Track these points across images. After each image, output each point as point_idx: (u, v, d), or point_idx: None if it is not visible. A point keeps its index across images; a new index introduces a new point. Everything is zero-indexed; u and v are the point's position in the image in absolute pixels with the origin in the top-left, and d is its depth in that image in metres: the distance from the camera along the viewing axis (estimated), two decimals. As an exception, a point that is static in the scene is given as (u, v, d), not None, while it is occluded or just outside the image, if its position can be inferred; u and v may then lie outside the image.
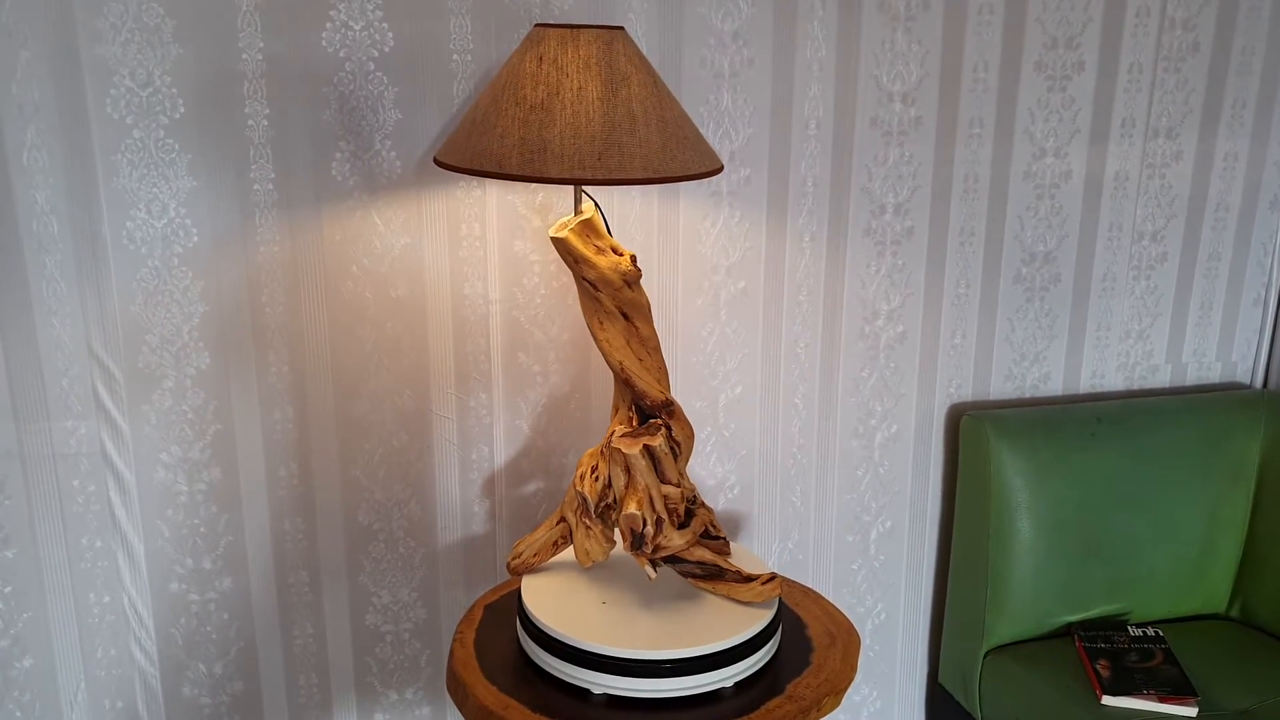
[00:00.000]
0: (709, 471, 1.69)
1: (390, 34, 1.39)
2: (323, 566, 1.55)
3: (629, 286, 1.20)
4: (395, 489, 1.55)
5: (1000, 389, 1.80)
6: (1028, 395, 1.82)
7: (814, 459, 1.74)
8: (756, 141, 1.56)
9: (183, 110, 1.33)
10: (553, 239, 1.20)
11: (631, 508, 1.19)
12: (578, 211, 1.22)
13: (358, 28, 1.37)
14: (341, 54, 1.38)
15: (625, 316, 1.22)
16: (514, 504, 1.61)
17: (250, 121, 1.36)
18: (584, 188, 1.22)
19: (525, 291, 1.53)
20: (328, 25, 1.36)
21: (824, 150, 1.60)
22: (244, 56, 1.34)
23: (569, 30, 1.17)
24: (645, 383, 1.24)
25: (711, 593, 1.28)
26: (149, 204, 1.35)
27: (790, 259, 1.63)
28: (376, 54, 1.39)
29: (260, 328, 1.44)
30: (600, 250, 1.20)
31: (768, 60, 1.54)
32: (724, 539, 1.34)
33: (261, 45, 1.34)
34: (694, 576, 1.28)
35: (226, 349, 1.43)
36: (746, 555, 1.37)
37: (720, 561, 1.26)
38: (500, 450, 1.58)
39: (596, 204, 1.23)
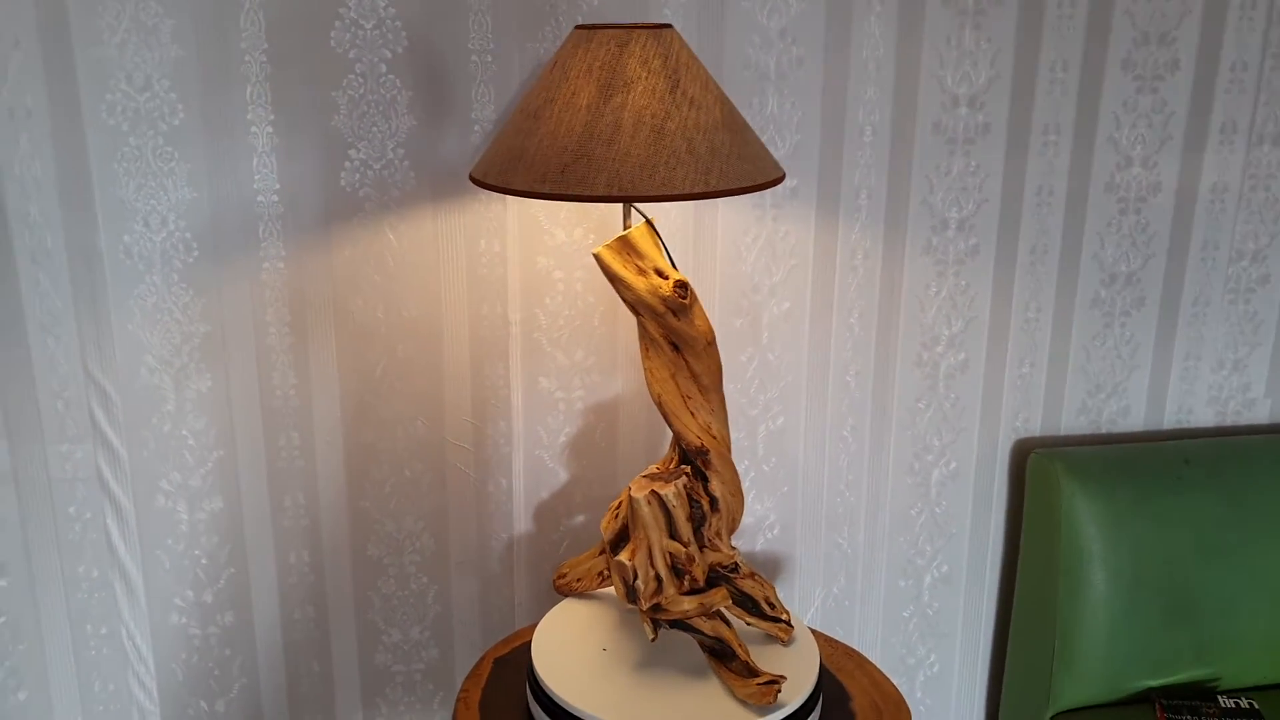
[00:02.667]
0: (747, 509, 1.55)
1: (404, 33, 1.28)
2: (330, 602, 1.46)
3: (674, 315, 1.07)
4: (407, 521, 1.45)
5: (1073, 424, 1.63)
6: (1104, 431, 1.64)
7: (863, 497, 1.59)
8: (805, 149, 1.42)
9: (182, 116, 1.24)
10: (594, 255, 1.09)
11: (623, 556, 1.07)
12: (626, 226, 1.11)
13: (369, 26, 1.27)
14: (351, 55, 1.27)
15: (675, 348, 1.09)
16: (534, 540, 1.50)
17: (254, 128, 1.27)
18: (635, 204, 1.11)
19: (548, 312, 1.42)
20: (336, 24, 1.26)
21: (880, 159, 1.45)
22: (246, 58, 1.24)
23: (585, 31, 1.06)
24: (681, 423, 1.11)
25: (714, 672, 1.15)
26: (147, 217, 1.27)
27: (841, 278, 1.49)
28: (389, 55, 1.28)
29: (264, 349, 1.34)
30: (641, 271, 1.08)
31: (818, 60, 1.40)
32: (784, 619, 1.20)
33: (265, 46, 1.24)
34: (705, 648, 1.15)
35: (229, 371, 1.34)
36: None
37: (733, 644, 1.13)
38: (520, 482, 1.47)
39: (648, 220, 1.11)
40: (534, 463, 1.47)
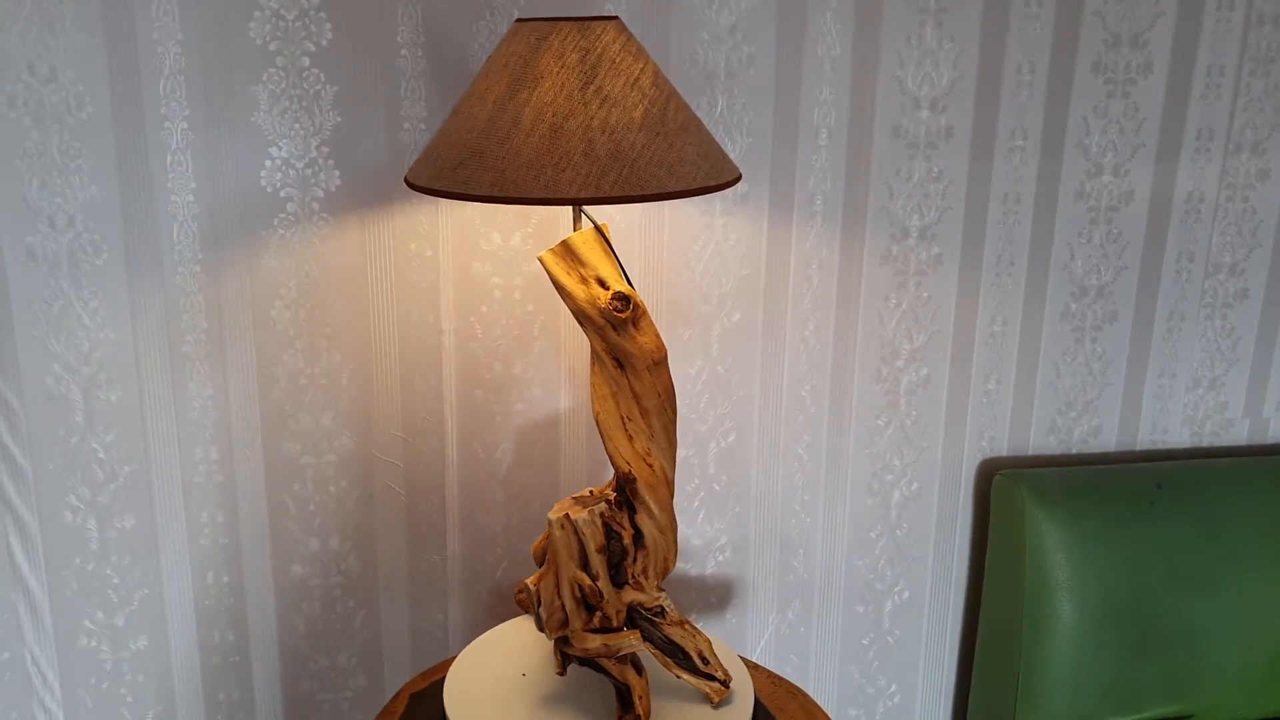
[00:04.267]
0: (696, 530, 1.48)
1: (328, 25, 1.21)
2: (251, 625, 1.38)
3: (613, 329, 1.00)
4: (332, 541, 1.37)
5: (1041, 443, 1.56)
6: (1074, 451, 1.57)
7: (820, 518, 1.52)
8: (757, 152, 1.35)
9: (90, 110, 1.17)
10: (539, 259, 1.03)
11: (531, 580, 1.00)
12: (576, 230, 1.04)
13: (290, 17, 1.20)
14: (272, 47, 1.20)
15: (619, 365, 1.02)
16: (468, 562, 1.42)
17: (167, 124, 1.20)
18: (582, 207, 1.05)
19: (484, 321, 1.34)
20: (256, 14, 1.19)
21: (836, 164, 1.38)
22: (159, 49, 1.17)
23: (518, 24, 1.01)
24: (614, 445, 1.03)
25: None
26: (52, 217, 1.19)
27: (795, 289, 1.42)
28: (313, 48, 1.21)
29: (179, 357, 1.27)
30: (584, 280, 1.00)
31: (771, 58, 1.33)
32: (718, 678, 1.10)
33: (179, 36, 1.17)
34: (616, 691, 1.07)
35: (141, 380, 1.26)
36: (720, 647, 1.16)
37: (635, 694, 1.04)
38: (454, 501, 1.39)
39: (596, 225, 1.04)
40: (469, 481, 1.39)
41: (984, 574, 1.54)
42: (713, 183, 0.98)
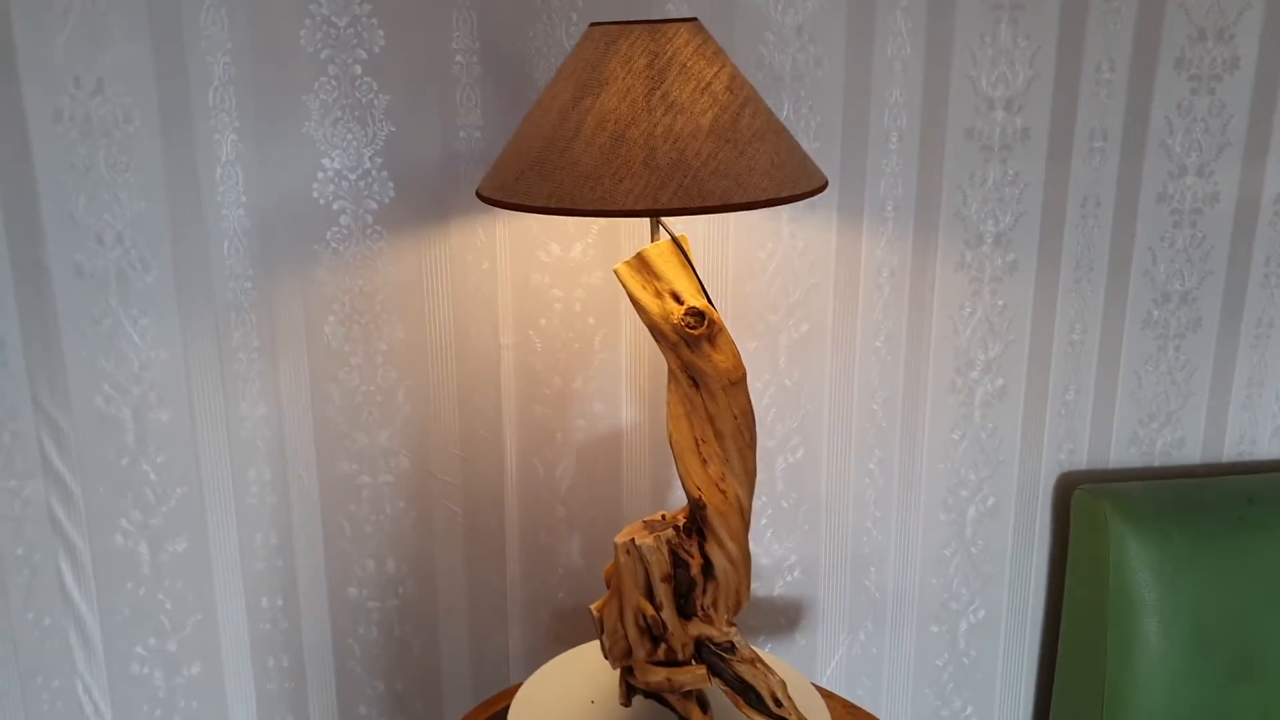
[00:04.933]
0: (764, 550, 1.42)
1: (380, 32, 1.17)
2: (306, 650, 1.34)
3: (687, 346, 0.95)
4: (388, 563, 1.33)
5: (1123, 455, 1.49)
6: (1157, 464, 1.50)
7: (892, 536, 1.45)
8: (825, 158, 1.29)
9: (137, 123, 1.13)
10: (615, 272, 0.99)
11: (596, 605, 0.95)
12: (653, 242, 1.00)
13: (342, 24, 1.16)
14: (324, 55, 1.16)
15: (695, 383, 0.97)
16: (529, 584, 1.37)
17: (216, 136, 1.16)
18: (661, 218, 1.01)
19: (543, 334, 1.29)
20: (307, 22, 1.15)
21: (908, 168, 1.32)
22: (207, 59, 1.13)
23: (592, 28, 0.97)
24: (685, 468, 0.98)
25: None
26: (100, 233, 1.16)
27: (866, 298, 1.36)
28: (365, 55, 1.17)
29: (231, 375, 1.23)
30: (659, 294, 0.96)
31: (839, 59, 1.27)
32: None
33: (228, 45, 1.13)
34: None
35: (192, 400, 1.22)
36: (793, 676, 1.10)
37: None
38: (513, 521, 1.35)
39: (674, 237, 0.99)
40: (528, 500, 1.34)
41: (1063, 593, 1.47)
42: (786, 193, 0.92)
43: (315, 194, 1.20)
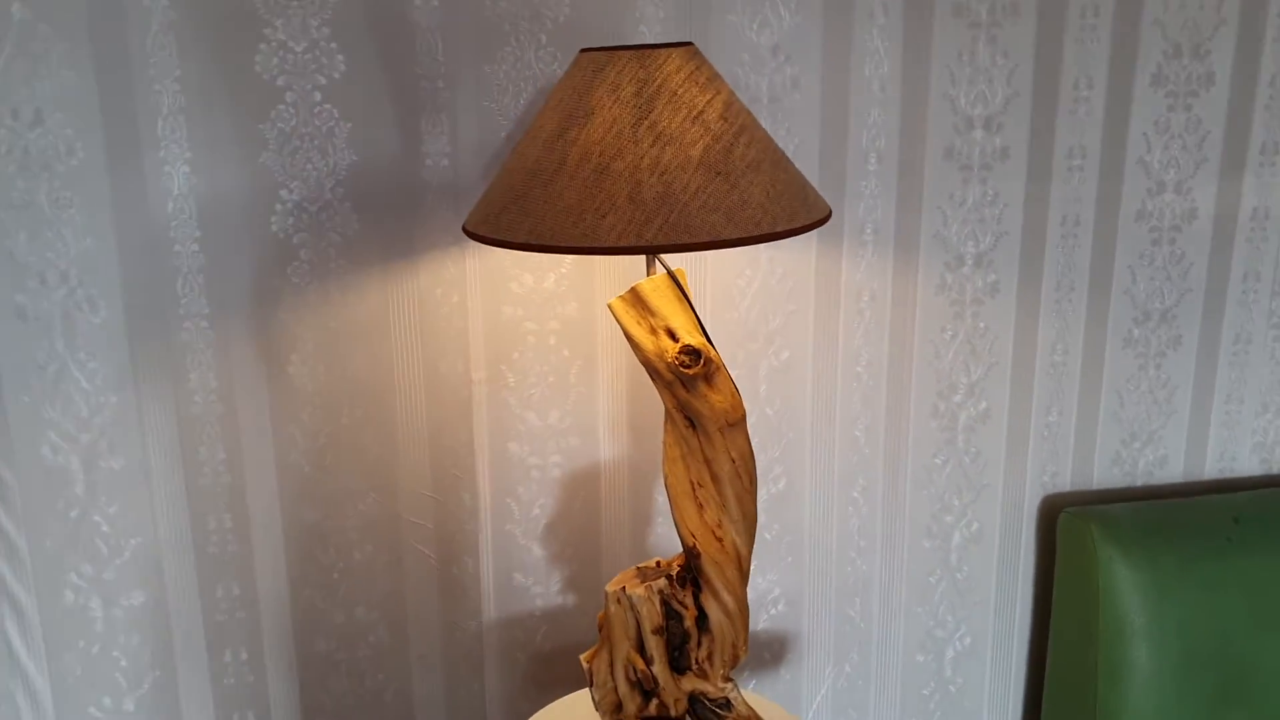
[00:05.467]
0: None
1: (340, 57, 1.11)
2: (273, 705, 1.27)
3: (682, 385, 0.90)
4: (359, 611, 1.27)
5: (1106, 476, 1.47)
6: (1140, 483, 1.48)
7: (877, 565, 1.42)
8: (803, 180, 1.26)
9: (81, 155, 1.07)
10: (609, 306, 0.95)
11: (586, 656, 0.91)
12: (650, 275, 0.96)
13: (299, 49, 1.10)
14: (280, 81, 1.10)
15: (691, 424, 0.92)
16: (506, 629, 1.32)
17: (167, 168, 1.09)
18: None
19: (517, 369, 1.24)
20: (261, 47, 1.09)
21: (887, 190, 1.29)
22: (155, 87, 1.07)
23: (580, 55, 0.92)
24: (680, 513, 0.94)
25: None
26: (43, 273, 1.09)
27: (846, 323, 1.32)
28: (324, 81, 1.11)
29: (188, 419, 1.16)
30: (654, 331, 0.91)
31: (816, 79, 1.24)
32: None
33: (178, 73, 1.07)
34: None
35: (146, 445, 1.16)
36: (772, 709, 1.06)
37: None
38: (488, 563, 1.29)
39: (669, 271, 0.95)
40: (504, 541, 1.29)
41: (1050, 617, 1.45)
42: (781, 228, 0.89)
43: (274, 227, 1.14)
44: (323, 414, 1.20)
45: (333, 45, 1.11)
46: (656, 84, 0.87)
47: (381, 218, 1.16)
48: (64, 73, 1.04)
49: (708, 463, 0.91)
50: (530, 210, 0.88)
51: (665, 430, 0.93)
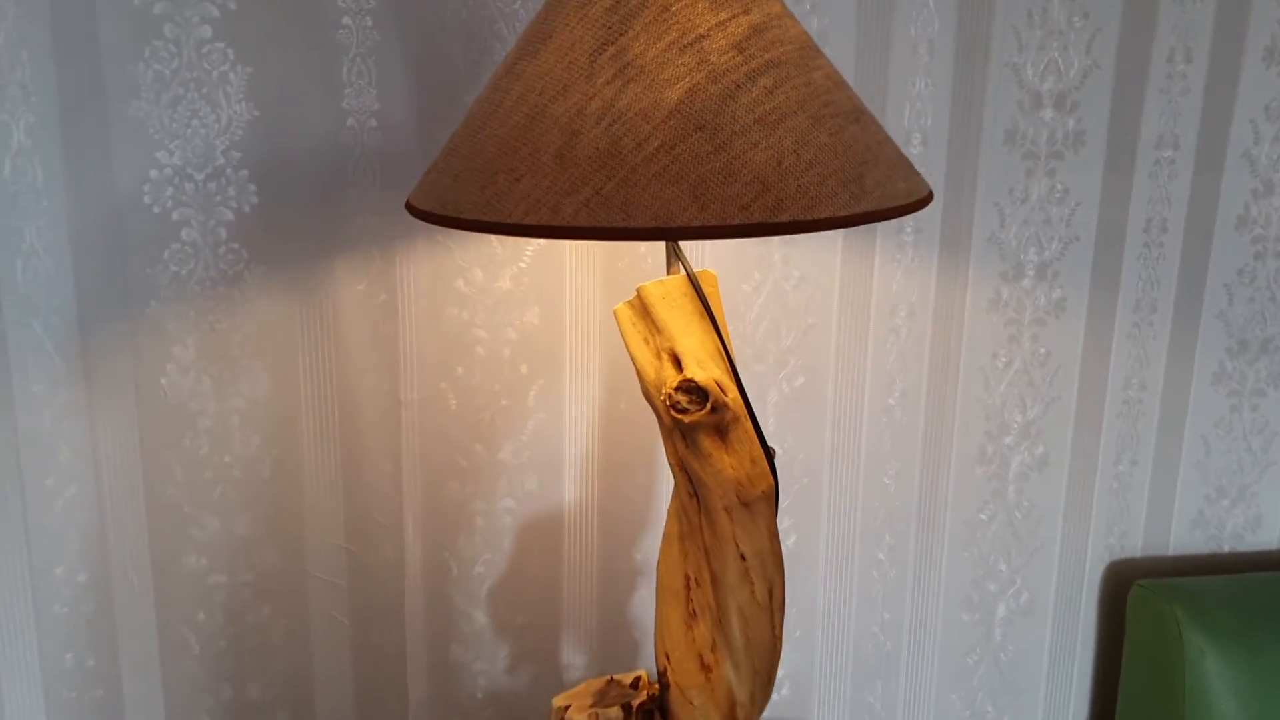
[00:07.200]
0: (743, 663, 1.12)
1: (238, -21, 0.86)
2: (140, 803, 1.01)
3: (681, 435, 0.65)
4: (251, 690, 1.01)
5: (1185, 540, 1.21)
6: (1226, 550, 1.22)
7: (904, 640, 1.16)
8: (829, 163, 1.00)
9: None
10: (614, 314, 0.72)
11: None
12: (670, 272, 0.72)
13: (183, -32, 0.85)
14: (158, 10, 0.85)
15: (695, 492, 0.67)
16: (440, 711, 1.06)
17: (3, 116, 0.84)
18: (677, 244, 0.71)
19: (461, 387, 0.99)
20: (132, -39, 0.84)
21: (933, 178, 1.04)
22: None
23: None
24: (661, 621, 0.70)
25: None
26: None
27: (877, 343, 1.07)
28: (216, 12, 0.86)
29: (31, 442, 0.90)
30: (659, 354, 0.67)
31: (848, 35, 0.99)
32: None
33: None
34: None
35: (-24, 475, 0.90)
36: None
37: None
38: (418, 632, 1.03)
39: (689, 271, 0.70)
40: (438, 604, 1.03)
41: (1115, 713, 1.19)
42: (785, 216, 0.60)
43: (148, 199, 0.88)
44: (208, 440, 0.94)
45: (227, -36, 0.86)
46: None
47: (289, 191, 0.91)
48: None
49: (707, 553, 0.65)
50: (450, 169, 0.65)
51: (673, 495, 0.68)
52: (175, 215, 0.90)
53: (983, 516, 1.15)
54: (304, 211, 0.92)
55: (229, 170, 0.90)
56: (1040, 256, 1.09)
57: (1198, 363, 1.16)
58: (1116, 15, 1.04)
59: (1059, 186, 1.08)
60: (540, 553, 1.04)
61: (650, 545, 1.06)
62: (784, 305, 1.04)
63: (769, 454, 0.67)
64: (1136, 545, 1.20)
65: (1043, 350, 1.12)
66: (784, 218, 0.58)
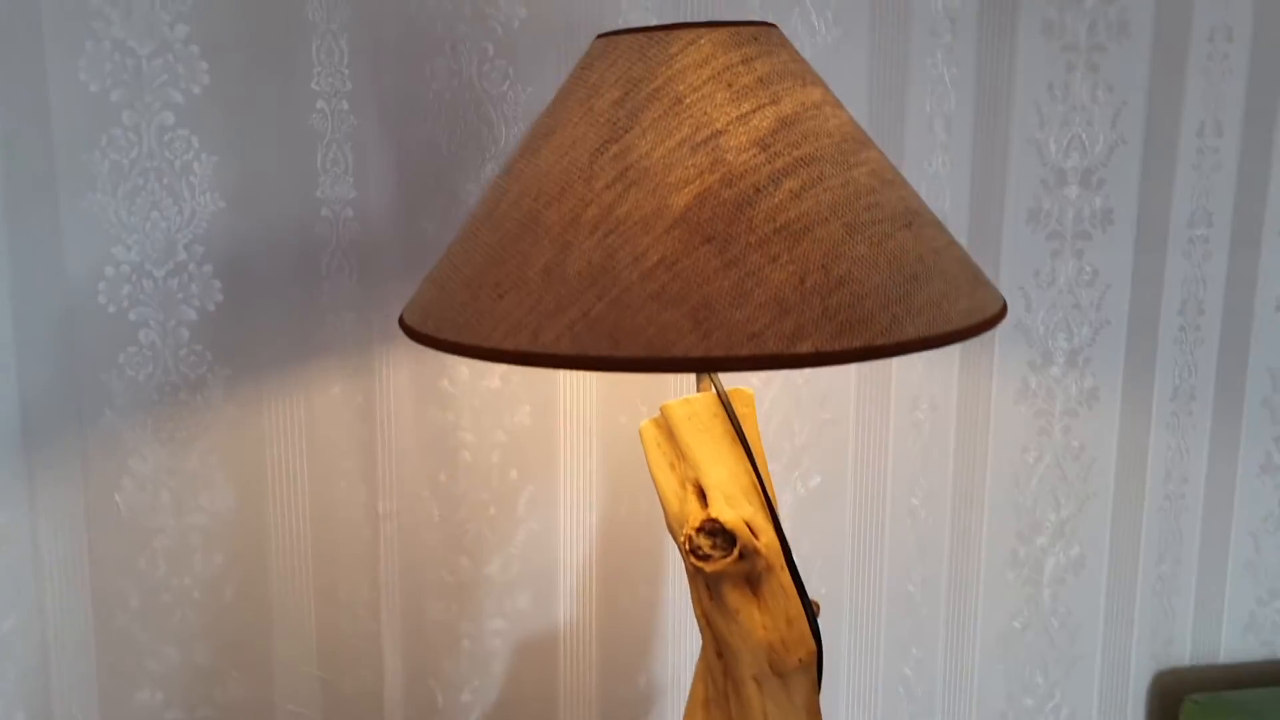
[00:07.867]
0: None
1: (204, 64, 0.80)
2: None
3: (705, 583, 0.57)
4: (210, 839, 0.91)
5: (1237, 645, 1.12)
6: (1282, 655, 1.13)
7: (934, 765, 1.06)
8: (842, 248, 0.93)
9: None
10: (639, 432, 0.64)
11: None
12: (700, 389, 0.63)
13: (144, 53, 0.79)
14: (115, 97, 0.79)
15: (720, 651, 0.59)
16: None
17: (-55, 211, 0.77)
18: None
19: (445, 496, 0.90)
20: (88, 47, 0.78)
21: (954, 262, 0.97)
22: (-71, 97, 0.75)
23: (595, 42, 0.61)
24: None
25: None
26: None
27: (898, 439, 0.99)
28: (179, 98, 0.80)
29: (-33, 567, 0.82)
30: (684, 483, 0.59)
31: (861, 111, 0.93)
32: None
33: (-38, 78, 0.75)
34: None
35: (-95, 605, 0.81)
36: None
37: None
38: (398, 768, 0.93)
39: (719, 388, 0.62)
40: (421, 737, 0.93)
41: (1169, 843, 1.08)
42: (805, 348, 0.51)
43: (102, 298, 0.81)
44: (166, 561, 0.86)
45: (192, 49, 0.79)
46: (654, 86, 0.55)
47: (257, 287, 0.84)
48: None
49: (730, 684, 0.56)
50: (439, 278, 0.58)
51: (701, 651, 0.59)
52: (133, 315, 0.82)
53: (1016, 625, 1.06)
54: (273, 309, 0.85)
55: (192, 265, 0.82)
56: (1070, 343, 1.02)
57: (1243, 453, 1.08)
58: (1142, 88, 0.98)
59: (1088, 268, 1.01)
60: (533, 679, 0.94)
61: (656, 667, 0.97)
62: (797, 399, 0.96)
63: (811, 612, 0.58)
64: (1184, 653, 1.11)
65: (1075, 443, 1.04)
66: (804, 348, 0.50)
